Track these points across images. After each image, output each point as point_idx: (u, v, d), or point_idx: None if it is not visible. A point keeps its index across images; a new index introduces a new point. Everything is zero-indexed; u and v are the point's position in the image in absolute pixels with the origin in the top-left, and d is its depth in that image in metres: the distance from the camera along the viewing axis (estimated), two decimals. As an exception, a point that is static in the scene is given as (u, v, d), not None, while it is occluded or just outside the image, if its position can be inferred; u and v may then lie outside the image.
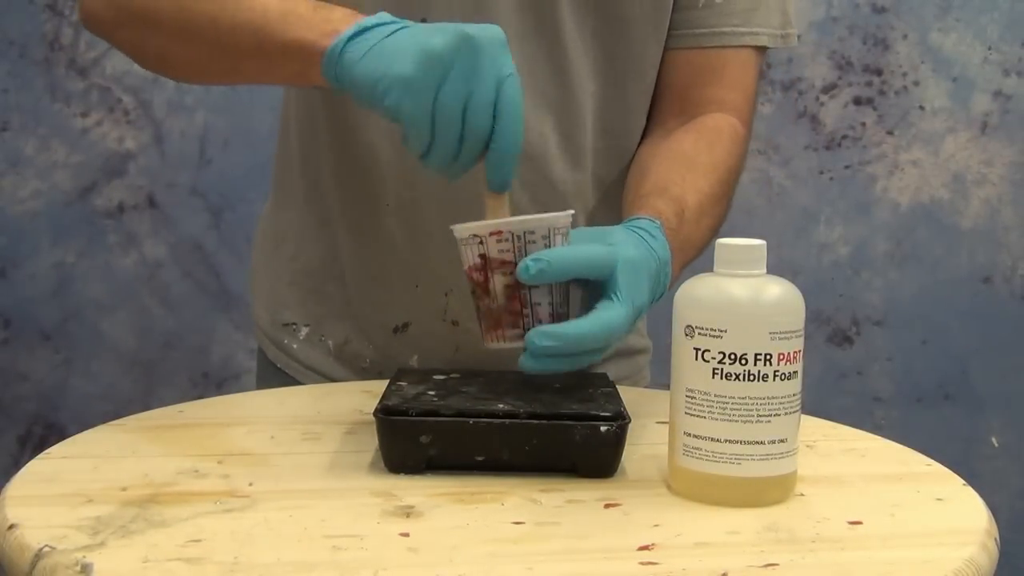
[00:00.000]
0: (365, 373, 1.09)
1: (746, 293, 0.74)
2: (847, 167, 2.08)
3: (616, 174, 1.07)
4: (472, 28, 0.79)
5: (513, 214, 0.84)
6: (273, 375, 1.12)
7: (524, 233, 0.81)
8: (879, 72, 2.06)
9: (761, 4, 1.05)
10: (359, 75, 0.80)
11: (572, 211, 0.85)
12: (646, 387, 1.14)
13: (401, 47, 0.79)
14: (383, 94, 0.79)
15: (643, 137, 1.08)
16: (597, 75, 1.03)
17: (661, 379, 1.04)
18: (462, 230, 0.83)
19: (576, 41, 1.01)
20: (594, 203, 1.07)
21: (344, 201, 1.06)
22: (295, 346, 1.10)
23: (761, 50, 1.08)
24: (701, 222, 0.97)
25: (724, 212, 1.02)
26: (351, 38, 0.81)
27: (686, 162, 0.99)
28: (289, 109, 1.11)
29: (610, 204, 1.06)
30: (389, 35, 0.81)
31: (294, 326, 1.11)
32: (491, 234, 0.81)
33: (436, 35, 0.79)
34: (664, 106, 1.07)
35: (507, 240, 0.81)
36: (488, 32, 0.80)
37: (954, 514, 0.76)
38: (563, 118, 1.02)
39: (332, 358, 1.09)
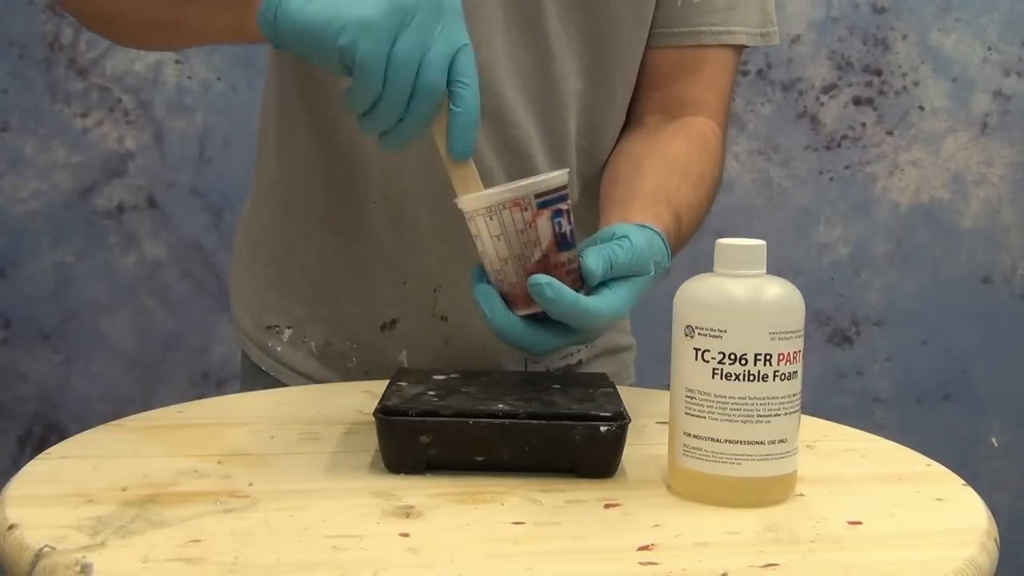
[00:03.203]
0: (350, 373, 1.08)
1: (746, 293, 0.74)
2: (847, 167, 2.08)
3: (597, 170, 1.07)
4: None
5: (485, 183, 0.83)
6: (259, 379, 1.11)
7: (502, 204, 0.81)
8: (879, 72, 2.06)
9: (739, 3, 1.06)
10: (305, 19, 0.76)
11: (566, 169, 0.84)
12: (632, 384, 1.14)
13: None
14: (335, 34, 0.75)
15: (622, 129, 1.08)
16: (583, 73, 1.03)
17: (652, 378, 1.04)
18: (465, 203, 0.82)
19: (562, 40, 1.01)
20: (577, 199, 1.07)
21: (328, 200, 1.06)
22: (279, 348, 1.10)
23: (739, 48, 1.08)
24: (690, 230, 0.99)
25: (704, 218, 1.03)
26: None
27: (680, 170, 1.00)
28: (268, 110, 1.10)
29: (591, 198, 1.06)
30: None
31: (277, 328, 1.10)
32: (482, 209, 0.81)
33: None
34: (643, 102, 1.08)
35: (495, 214, 0.81)
36: None
37: (954, 514, 0.76)
38: (548, 116, 1.03)
39: (316, 360, 1.09)
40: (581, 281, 0.82)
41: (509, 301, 0.82)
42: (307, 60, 0.79)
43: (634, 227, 0.87)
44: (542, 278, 0.79)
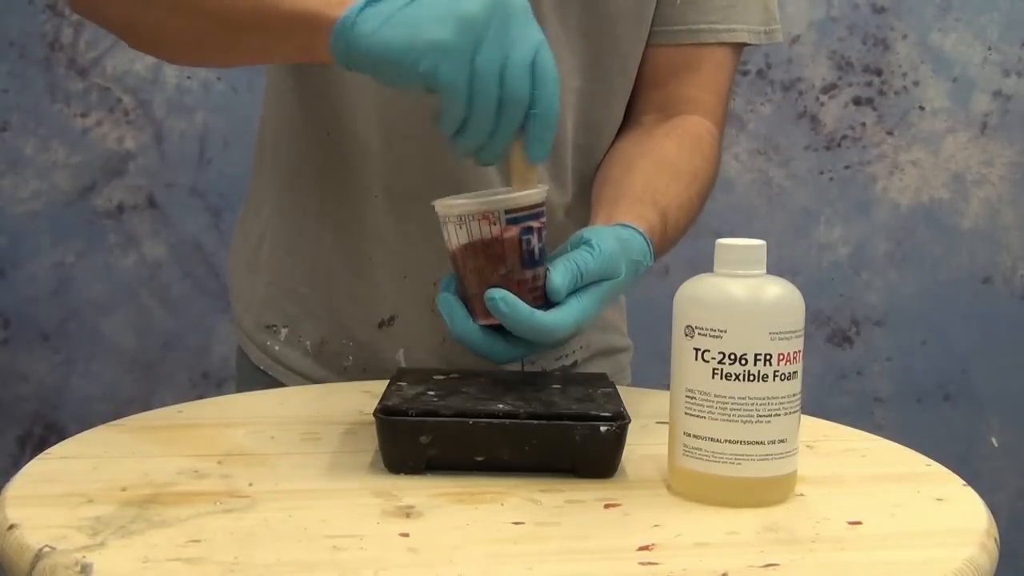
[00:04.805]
0: (347, 372, 1.08)
1: (746, 293, 0.74)
2: (847, 167, 2.08)
3: (593, 168, 1.07)
4: None
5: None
6: (256, 378, 1.11)
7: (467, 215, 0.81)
8: (879, 72, 2.06)
9: (740, 1, 1.05)
10: (379, 45, 0.77)
11: (545, 187, 0.84)
12: (629, 385, 1.14)
13: (428, 15, 0.77)
14: (415, 61, 0.76)
15: (619, 128, 1.08)
16: (582, 72, 1.03)
17: (652, 378, 1.04)
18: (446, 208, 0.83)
19: (560, 38, 1.01)
20: (572, 197, 1.07)
21: (327, 196, 1.05)
22: (277, 348, 1.10)
23: (738, 47, 1.08)
24: (678, 228, 0.99)
25: (697, 217, 1.03)
26: (363, 8, 0.78)
27: (671, 170, 1.00)
28: (267, 106, 1.10)
29: (586, 197, 1.06)
30: (406, 5, 0.78)
31: (274, 328, 1.10)
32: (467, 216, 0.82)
33: (467, 1, 0.77)
34: (641, 101, 1.08)
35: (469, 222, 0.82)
36: (516, 1, 0.79)
37: (954, 514, 0.76)
38: None
39: (311, 359, 1.09)
40: (545, 296, 0.82)
41: (472, 309, 0.83)
42: (386, 83, 0.80)
43: (606, 229, 0.88)
44: (497, 292, 0.80)
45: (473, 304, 0.83)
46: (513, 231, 0.81)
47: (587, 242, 0.85)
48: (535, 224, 0.82)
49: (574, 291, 0.83)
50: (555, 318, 0.81)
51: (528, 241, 0.81)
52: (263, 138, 1.12)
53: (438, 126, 0.80)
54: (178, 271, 1.95)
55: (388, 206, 1.03)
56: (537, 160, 0.81)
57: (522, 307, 0.80)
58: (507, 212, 0.81)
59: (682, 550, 0.68)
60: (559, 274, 0.82)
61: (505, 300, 0.79)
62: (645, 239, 0.90)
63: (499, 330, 0.83)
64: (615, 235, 0.87)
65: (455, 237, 0.82)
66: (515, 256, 0.81)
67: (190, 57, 0.99)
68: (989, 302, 2.12)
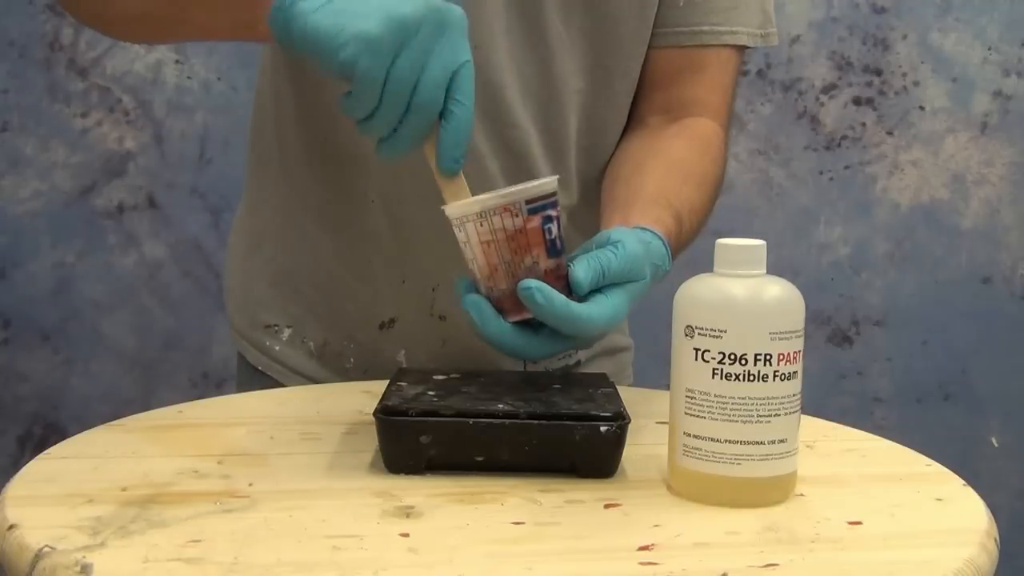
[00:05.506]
0: (349, 373, 1.08)
1: (746, 293, 0.74)
2: (847, 167, 2.08)
3: (598, 171, 1.07)
4: (440, 3, 0.78)
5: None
6: (256, 379, 1.11)
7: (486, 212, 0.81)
8: (879, 72, 2.06)
9: (741, 3, 1.06)
10: (314, 26, 0.76)
11: (555, 176, 0.84)
12: (630, 385, 1.15)
13: (367, 6, 0.76)
14: (340, 47, 0.75)
15: (624, 130, 1.08)
16: (585, 73, 1.03)
17: (652, 378, 1.04)
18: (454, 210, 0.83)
19: (563, 39, 1.01)
20: (577, 199, 1.07)
21: (326, 199, 1.05)
22: (278, 348, 1.10)
23: (740, 49, 1.08)
24: (692, 232, 0.98)
25: (706, 220, 1.03)
26: None
27: (682, 172, 1.00)
28: (263, 108, 1.10)
29: (590, 200, 1.06)
30: None
31: (276, 328, 1.10)
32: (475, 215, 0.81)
33: (405, 2, 0.77)
34: (645, 103, 1.08)
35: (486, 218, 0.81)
36: (454, 13, 0.79)
37: (954, 514, 0.76)
38: (548, 115, 1.03)
39: (314, 360, 1.09)
40: (570, 288, 0.82)
41: (499, 308, 0.82)
42: (317, 68, 0.79)
43: (630, 231, 0.87)
44: (532, 283, 0.79)
45: (501, 302, 0.82)
46: (535, 220, 0.81)
47: (613, 242, 0.84)
48: (553, 213, 0.82)
49: (599, 289, 0.82)
50: (590, 309, 0.81)
51: (550, 230, 0.81)
52: (260, 138, 1.11)
53: (344, 108, 0.79)
54: (178, 271, 1.95)
55: (385, 211, 1.03)
56: (444, 170, 0.81)
57: (558, 297, 0.79)
58: (528, 202, 0.81)
59: (682, 550, 0.68)
60: (582, 268, 0.81)
61: (540, 290, 0.78)
62: (664, 243, 0.90)
63: (529, 326, 0.82)
64: (639, 238, 0.86)
65: (476, 235, 0.82)
66: (540, 246, 0.81)
67: (137, 32, 0.98)
68: (989, 302, 2.12)
